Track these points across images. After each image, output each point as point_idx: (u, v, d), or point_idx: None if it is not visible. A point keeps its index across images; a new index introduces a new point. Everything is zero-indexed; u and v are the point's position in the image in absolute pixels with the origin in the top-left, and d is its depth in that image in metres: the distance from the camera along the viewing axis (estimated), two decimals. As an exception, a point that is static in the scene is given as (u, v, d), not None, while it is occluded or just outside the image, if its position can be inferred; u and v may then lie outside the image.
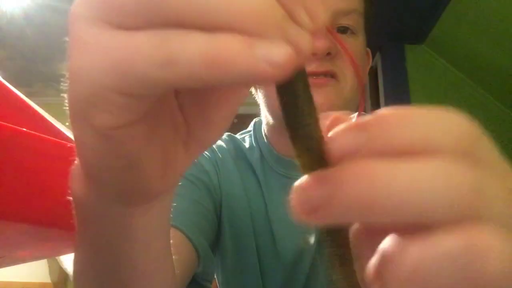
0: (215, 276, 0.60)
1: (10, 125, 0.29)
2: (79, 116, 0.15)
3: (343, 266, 0.15)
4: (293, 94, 0.16)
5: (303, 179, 0.14)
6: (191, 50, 0.13)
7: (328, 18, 0.14)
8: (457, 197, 0.13)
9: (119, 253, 0.22)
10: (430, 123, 0.14)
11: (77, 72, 0.14)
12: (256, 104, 0.60)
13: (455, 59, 1.89)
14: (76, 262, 0.24)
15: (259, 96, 0.58)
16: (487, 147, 0.15)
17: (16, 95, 0.37)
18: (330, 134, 0.15)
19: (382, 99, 1.90)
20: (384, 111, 0.14)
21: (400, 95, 1.84)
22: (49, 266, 2.17)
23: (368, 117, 0.14)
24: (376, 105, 1.91)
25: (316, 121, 0.15)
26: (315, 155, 0.15)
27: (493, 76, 1.79)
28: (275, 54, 0.13)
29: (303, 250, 0.53)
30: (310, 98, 0.16)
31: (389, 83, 1.88)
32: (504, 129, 1.84)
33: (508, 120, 1.90)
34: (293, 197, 0.14)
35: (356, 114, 0.16)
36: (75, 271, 0.24)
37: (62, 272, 2.10)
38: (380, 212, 0.13)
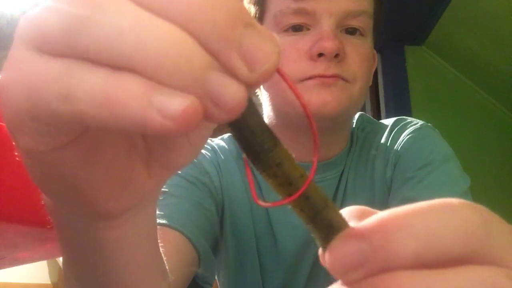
0: (216, 277, 0.60)
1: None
2: (10, 134, 0.15)
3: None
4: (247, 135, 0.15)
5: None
6: (87, 86, 0.12)
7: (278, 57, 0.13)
8: None
9: (95, 265, 0.21)
10: (432, 227, 0.13)
11: (2, 91, 0.14)
12: (258, 104, 0.60)
13: (455, 60, 1.89)
14: (62, 266, 0.24)
15: (262, 95, 0.57)
16: (499, 239, 0.14)
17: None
18: (330, 245, 0.14)
19: (382, 100, 1.90)
20: (383, 215, 0.14)
21: (400, 96, 1.84)
22: (48, 267, 2.17)
23: (368, 223, 0.14)
24: (376, 106, 1.91)
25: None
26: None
27: (493, 77, 1.80)
28: (170, 105, 0.12)
29: (303, 251, 0.53)
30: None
31: (389, 84, 1.88)
32: (504, 131, 1.84)
33: (508, 121, 1.90)
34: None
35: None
36: (63, 274, 0.24)
37: (62, 273, 2.10)
38: None
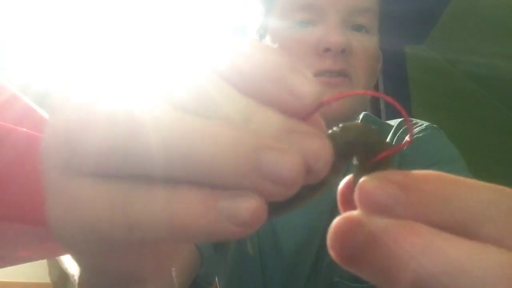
0: (216, 277, 0.60)
1: (10, 125, 0.29)
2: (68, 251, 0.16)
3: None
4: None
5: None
6: (151, 210, 0.12)
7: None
8: None
9: None
10: (472, 199, 0.13)
11: (55, 226, 0.14)
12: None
13: (456, 60, 1.89)
14: None
15: None
16: None
17: (15, 95, 0.37)
18: (365, 179, 0.14)
19: (382, 99, 1.89)
20: (425, 173, 0.14)
21: (400, 95, 1.84)
22: (49, 266, 2.17)
23: (407, 175, 0.14)
24: (375, 105, 1.91)
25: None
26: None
27: (494, 77, 1.79)
28: (239, 211, 0.12)
29: (304, 251, 0.53)
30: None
31: (389, 83, 1.88)
32: (506, 131, 1.84)
33: (510, 121, 1.89)
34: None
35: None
36: None
37: (62, 272, 2.10)
38: None
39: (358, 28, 0.50)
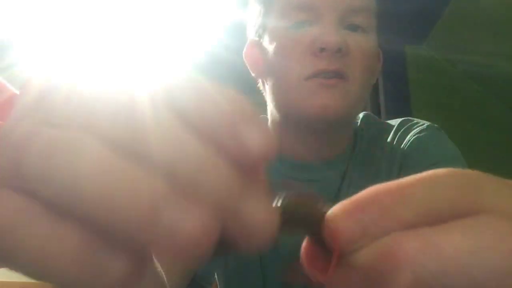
0: (216, 277, 0.60)
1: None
2: None
3: None
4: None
5: None
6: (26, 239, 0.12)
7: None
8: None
9: None
10: (423, 195, 0.14)
11: None
12: (260, 104, 0.59)
13: (456, 59, 1.89)
14: None
15: (266, 91, 0.57)
16: (492, 190, 0.14)
17: (15, 95, 0.36)
18: (328, 221, 0.14)
19: (382, 99, 1.89)
20: (373, 189, 0.14)
21: (399, 95, 1.84)
22: (49, 266, 2.17)
23: (358, 198, 0.14)
24: (375, 105, 1.91)
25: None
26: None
27: (494, 76, 1.79)
28: (109, 271, 0.12)
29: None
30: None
31: (389, 83, 1.88)
32: (506, 130, 1.84)
33: (510, 121, 1.89)
34: None
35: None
36: None
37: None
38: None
39: (354, 27, 0.50)
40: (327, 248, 0.15)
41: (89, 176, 0.11)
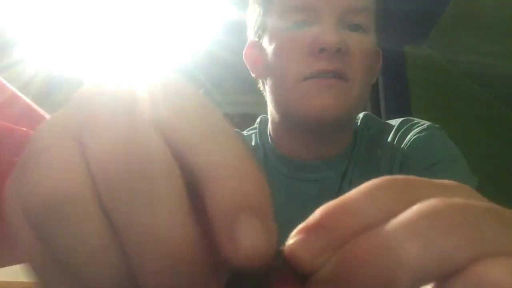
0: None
1: (9, 124, 0.29)
2: None
3: None
4: None
5: None
6: None
7: None
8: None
9: None
10: (364, 203, 0.14)
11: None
12: (260, 104, 0.60)
13: (456, 59, 1.89)
14: None
15: (266, 91, 0.57)
16: (423, 187, 0.14)
17: (15, 94, 0.37)
18: (288, 250, 0.14)
19: (382, 99, 1.90)
20: (322, 208, 0.14)
21: (400, 95, 1.84)
22: (49, 266, 2.17)
23: (309, 221, 0.14)
24: (375, 105, 1.91)
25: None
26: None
27: (494, 76, 1.79)
28: None
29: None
30: None
31: (389, 83, 1.88)
32: (505, 130, 1.84)
33: (510, 121, 1.89)
34: None
35: None
36: None
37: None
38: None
39: (354, 27, 0.50)
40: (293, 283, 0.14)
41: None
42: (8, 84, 0.38)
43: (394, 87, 1.87)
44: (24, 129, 0.30)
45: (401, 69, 1.90)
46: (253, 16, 0.59)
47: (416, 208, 0.12)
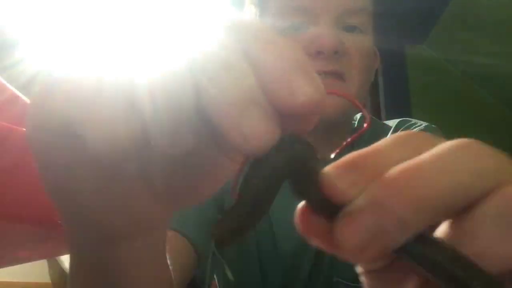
0: (215, 277, 0.60)
1: (9, 124, 0.29)
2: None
3: None
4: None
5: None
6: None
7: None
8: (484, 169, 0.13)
9: (107, 280, 0.21)
10: (393, 147, 0.15)
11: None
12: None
13: (455, 59, 1.89)
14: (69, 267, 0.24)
15: None
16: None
17: (15, 95, 0.37)
18: (323, 180, 0.14)
19: (382, 99, 1.90)
20: (353, 152, 0.15)
21: (400, 95, 1.84)
22: (49, 266, 2.17)
23: (342, 159, 0.15)
24: (375, 105, 1.91)
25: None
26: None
27: (493, 76, 1.79)
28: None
29: (303, 251, 0.53)
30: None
31: (389, 83, 1.88)
32: (505, 130, 1.84)
33: (510, 121, 1.89)
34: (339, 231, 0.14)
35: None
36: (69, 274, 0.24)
37: (62, 272, 2.10)
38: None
39: (351, 28, 0.50)
40: (322, 213, 0.15)
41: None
42: (8, 84, 0.38)
43: (394, 87, 1.87)
44: (24, 129, 0.30)
45: (401, 69, 1.90)
46: (249, 16, 0.59)
47: (444, 144, 0.14)
